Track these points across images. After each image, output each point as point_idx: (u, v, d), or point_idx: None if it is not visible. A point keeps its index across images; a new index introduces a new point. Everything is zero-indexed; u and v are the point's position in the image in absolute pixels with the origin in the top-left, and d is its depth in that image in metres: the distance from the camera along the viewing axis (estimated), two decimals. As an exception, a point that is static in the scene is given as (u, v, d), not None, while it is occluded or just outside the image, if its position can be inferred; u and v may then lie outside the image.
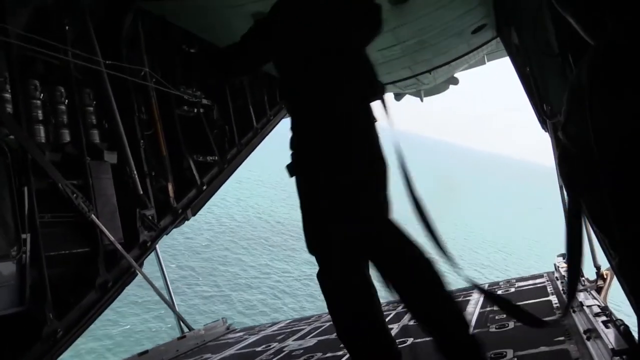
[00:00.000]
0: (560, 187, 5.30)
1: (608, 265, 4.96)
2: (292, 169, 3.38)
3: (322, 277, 3.31)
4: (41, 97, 5.20)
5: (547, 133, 5.92)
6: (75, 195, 5.14)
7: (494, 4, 6.60)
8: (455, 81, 11.85)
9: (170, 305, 6.71)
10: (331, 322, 5.98)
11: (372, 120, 3.28)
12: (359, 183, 3.21)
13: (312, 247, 3.35)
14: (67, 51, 5.35)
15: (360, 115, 3.25)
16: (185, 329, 6.61)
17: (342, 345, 4.81)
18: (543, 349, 3.57)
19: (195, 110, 7.43)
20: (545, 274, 6.42)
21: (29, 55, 5.03)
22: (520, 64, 5.97)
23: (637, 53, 1.84)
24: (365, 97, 3.27)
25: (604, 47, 2.00)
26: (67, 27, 5.42)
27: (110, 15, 6.03)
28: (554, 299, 5.01)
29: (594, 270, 5.52)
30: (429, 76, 9.79)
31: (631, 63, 1.86)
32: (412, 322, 5.31)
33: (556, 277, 5.92)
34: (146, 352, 5.71)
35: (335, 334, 5.35)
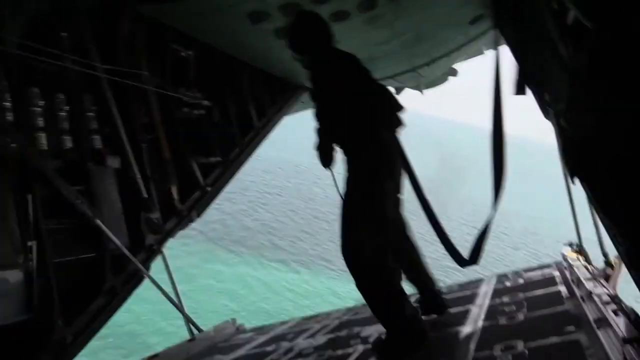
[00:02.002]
0: (565, 176, 5.25)
1: (616, 253, 4.92)
2: None
3: None
4: (41, 104, 5.20)
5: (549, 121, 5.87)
6: (79, 201, 5.15)
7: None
8: (454, 72, 11.82)
9: (179, 308, 6.69)
10: (340, 320, 5.97)
11: None
12: None
13: None
14: (65, 58, 5.35)
15: None
16: (195, 331, 6.61)
17: (352, 342, 4.80)
18: (553, 339, 3.56)
19: (196, 111, 7.42)
20: (553, 264, 6.38)
21: (28, 64, 5.02)
22: (519, 52, 5.92)
23: (636, 37, 1.82)
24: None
25: (603, 32, 1.98)
26: (64, 34, 5.41)
27: (106, 19, 6.01)
28: (562, 288, 4.98)
29: (602, 258, 5.49)
30: (427, 69, 9.76)
31: (630, 48, 1.84)
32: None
33: (564, 267, 5.88)
34: (156, 355, 5.71)
35: (345, 331, 5.34)
